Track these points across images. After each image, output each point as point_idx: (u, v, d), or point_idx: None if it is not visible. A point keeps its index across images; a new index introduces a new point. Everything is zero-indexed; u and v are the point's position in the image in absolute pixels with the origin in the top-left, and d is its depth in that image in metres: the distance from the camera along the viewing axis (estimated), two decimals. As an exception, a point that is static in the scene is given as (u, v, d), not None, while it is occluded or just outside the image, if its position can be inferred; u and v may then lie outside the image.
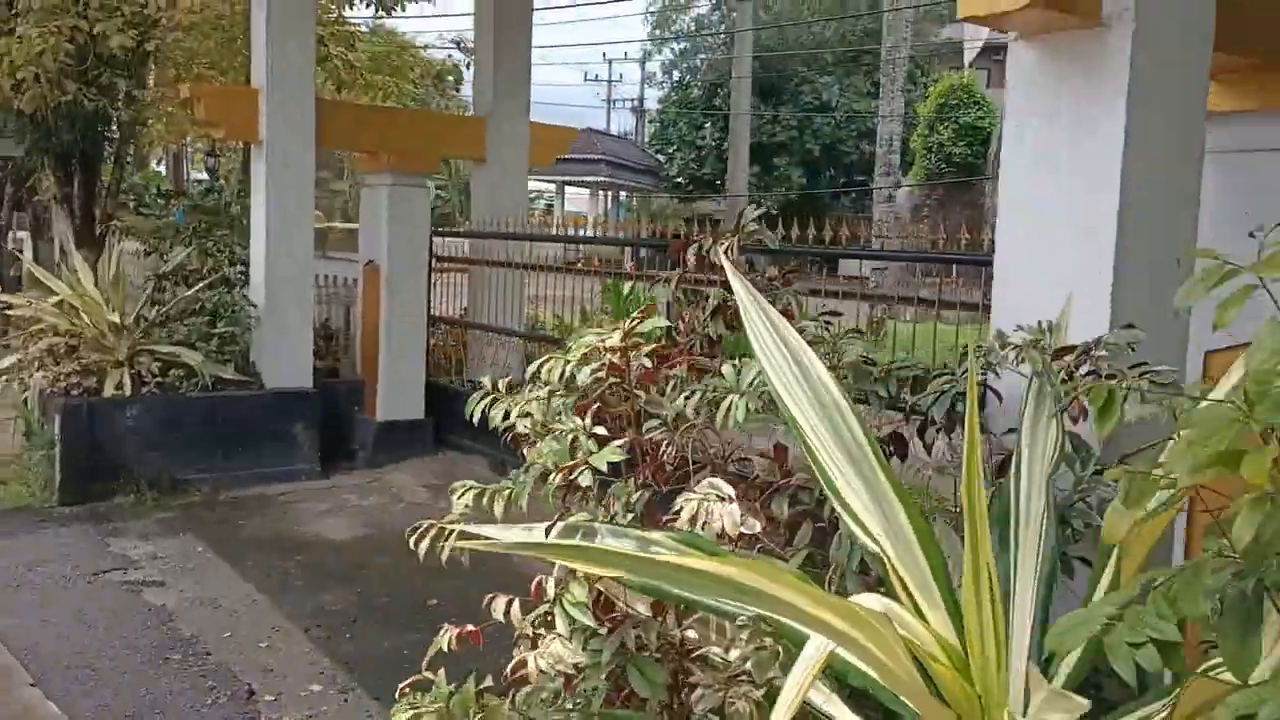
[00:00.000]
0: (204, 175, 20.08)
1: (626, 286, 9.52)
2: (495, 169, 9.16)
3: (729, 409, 2.19)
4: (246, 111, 7.80)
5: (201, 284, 7.97)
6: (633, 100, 48.74)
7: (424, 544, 2.20)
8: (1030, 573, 2.12)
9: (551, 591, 2.01)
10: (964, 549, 1.87)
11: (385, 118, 9.56)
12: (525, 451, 2.60)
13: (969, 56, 25.47)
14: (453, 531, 2.25)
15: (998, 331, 2.57)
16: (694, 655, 2.25)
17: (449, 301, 9.38)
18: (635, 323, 2.23)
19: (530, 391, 2.77)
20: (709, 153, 34.66)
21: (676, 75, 39.06)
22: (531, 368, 2.35)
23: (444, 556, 2.19)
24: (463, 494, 2.31)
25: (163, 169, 21.51)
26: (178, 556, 6.12)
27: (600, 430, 2.51)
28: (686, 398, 2.37)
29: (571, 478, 2.17)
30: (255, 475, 7.60)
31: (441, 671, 2.19)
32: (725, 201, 29.47)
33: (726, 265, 2.16)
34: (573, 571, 2.00)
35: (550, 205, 35.88)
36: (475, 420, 2.65)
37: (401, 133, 8.74)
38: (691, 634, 2.28)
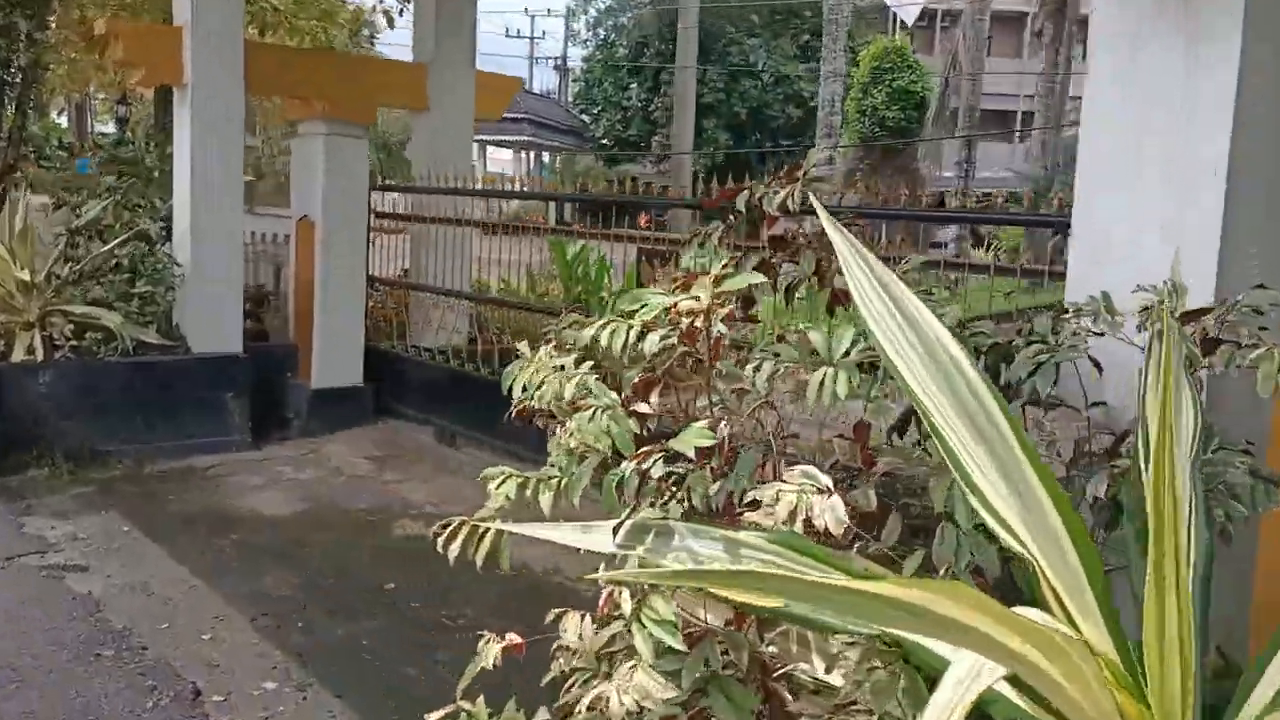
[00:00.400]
0: (111, 128, 18.94)
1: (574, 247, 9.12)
2: (437, 118, 8.63)
3: (823, 382, 1.82)
4: (169, 51, 7.14)
5: (119, 240, 7.33)
6: (555, 58, 47.88)
7: (454, 546, 1.80)
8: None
9: (627, 606, 1.64)
10: (1150, 548, 1.55)
11: (317, 62, 8.93)
12: (555, 430, 2.20)
13: (910, 17, 25.34)
14: (486, 530, 1.85)
15: (1102, 294, 2.25)
16: (778, 675, 1.90)
17: (389, 261, 8.85)
18: (723, 277, 1.84)
19: (548, 359, 2.38)
20: (635, 114, 34.07)
21: (602, 33, 38.20)
22: (589, 331, 1.95)
23: (479, 562, 1.80)
24: (501, 484, 1.90)
25: (64, 121, 20.31)
26: (101, 536, 5.57)
27: (642, 407, 2.13)
28: (756, 368, 2.00)
29: (645, 467, 1.79)
30: (182, 446, 7.07)
31: (480, 699, 1.80)
32: (669, 161, 28.56)
33: (821, 211, 1.79)
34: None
35: (472, 165, 34.93)
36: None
37: (336, 79, 8.13)
38: (773, 649, 1.92)
